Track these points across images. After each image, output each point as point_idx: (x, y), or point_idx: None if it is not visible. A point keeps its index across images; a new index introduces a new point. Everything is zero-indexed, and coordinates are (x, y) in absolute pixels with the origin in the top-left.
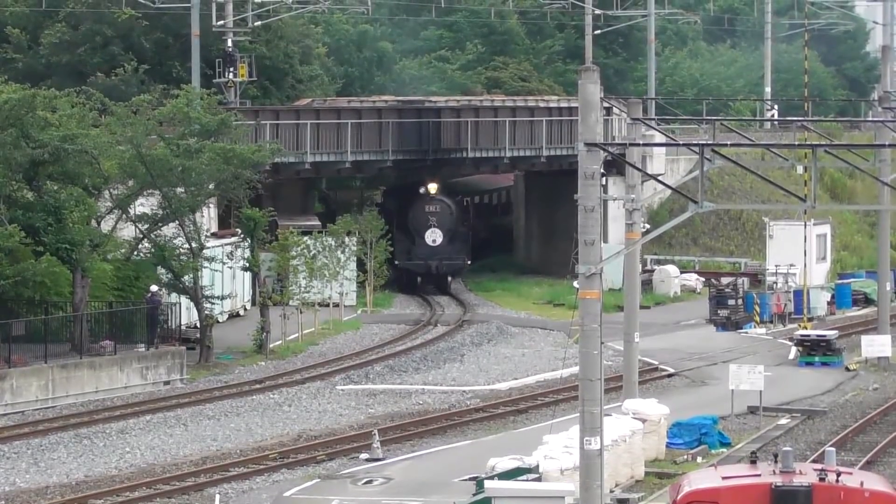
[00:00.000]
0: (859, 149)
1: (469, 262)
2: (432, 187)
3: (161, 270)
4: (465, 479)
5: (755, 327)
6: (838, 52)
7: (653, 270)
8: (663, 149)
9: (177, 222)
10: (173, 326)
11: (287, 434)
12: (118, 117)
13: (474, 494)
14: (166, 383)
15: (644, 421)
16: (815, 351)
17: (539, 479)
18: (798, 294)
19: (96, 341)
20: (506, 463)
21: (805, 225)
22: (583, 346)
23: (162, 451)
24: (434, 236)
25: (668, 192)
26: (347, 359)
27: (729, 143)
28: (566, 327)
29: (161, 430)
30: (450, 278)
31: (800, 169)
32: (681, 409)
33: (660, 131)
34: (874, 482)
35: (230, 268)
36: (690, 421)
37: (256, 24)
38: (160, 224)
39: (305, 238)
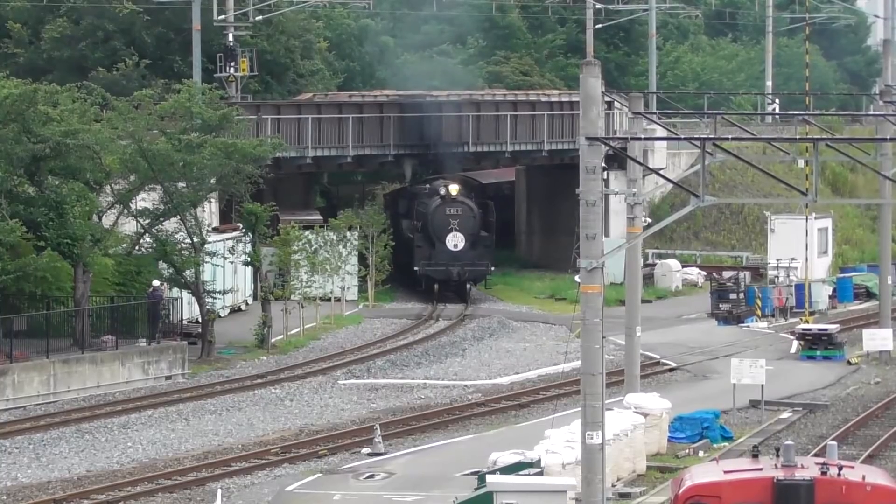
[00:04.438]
0: (860, 143)
1: (493, 269)
2: (453, 188)
3: (163, 265)
4: (467, 474)
5: (757, 321)
6: (839, 47)
7: (654, 264)
8: (665, 143)
9: (178, 217)
10: (175, 321)
11: (289, 429)
12: (119, 112)
13: (476, 489)
14: (168, 378)
15: (646, 415)
16: (817, 345)
17: (541, 474)
18: (800, 288)
19: (98, 336)
20: (507, 457)
21: (806, 219)
22: (584, 341)
23: (163, 445)
24: (456, 241)
25: (670, 186)
26: (349, 353)
27: (730, 137)
28: (568, 321)
29: (163, 425)
30: (469, 286)
31: (801, 163)
32: (682, 404)
33: (661, 125)
34: (876, 476)
35: (232, 262)
36: (692, 415)
37: (257, 18)
38: (161, 219)
39: (307, 233)
